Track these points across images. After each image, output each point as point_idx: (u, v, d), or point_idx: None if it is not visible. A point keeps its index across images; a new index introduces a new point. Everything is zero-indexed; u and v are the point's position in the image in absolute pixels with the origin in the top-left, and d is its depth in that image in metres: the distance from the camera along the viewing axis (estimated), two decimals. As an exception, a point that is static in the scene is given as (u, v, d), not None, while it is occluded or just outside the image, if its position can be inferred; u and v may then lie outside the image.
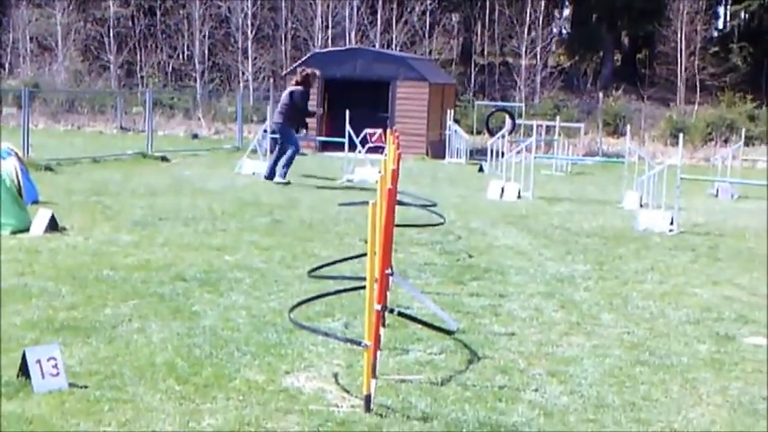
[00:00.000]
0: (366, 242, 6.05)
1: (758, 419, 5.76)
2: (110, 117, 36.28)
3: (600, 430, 5.50)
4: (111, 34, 42.19)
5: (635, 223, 13.99)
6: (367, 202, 5.65)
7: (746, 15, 47.17)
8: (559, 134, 27.54)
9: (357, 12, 40.40)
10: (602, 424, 5.60)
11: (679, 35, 41.12)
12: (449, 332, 7.22)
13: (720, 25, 49.51)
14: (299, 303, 7.52)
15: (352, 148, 20.43)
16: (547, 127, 27.93)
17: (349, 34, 40.34)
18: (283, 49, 41.31)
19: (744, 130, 27.82)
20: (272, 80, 37.77)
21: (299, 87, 18.59)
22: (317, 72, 19.67)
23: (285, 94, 18.82)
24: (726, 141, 32.79)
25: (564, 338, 7.52)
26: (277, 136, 18.74)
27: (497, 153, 20.79)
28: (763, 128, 35.79)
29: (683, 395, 6.19)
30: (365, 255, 5.91)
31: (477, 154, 27.66)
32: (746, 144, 30.12)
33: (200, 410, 5.55)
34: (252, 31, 40.43)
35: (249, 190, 17.08)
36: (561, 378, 6.46)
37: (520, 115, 32.17)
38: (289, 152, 18.26)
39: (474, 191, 18.51)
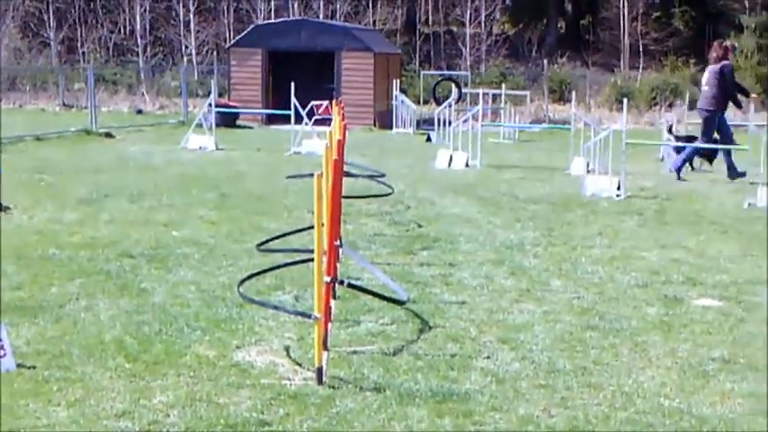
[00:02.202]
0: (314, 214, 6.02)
1: (707, 380, 5.82)
2: (52, 94, 35.71)
3: (551, 395, 5.52)
4: (51, 10, 41.52)
5: (582, 189, 14.05)
6: (313, 174, 5.60)
7: (688, -20, 47.47)
8: (506, 102, 27.56)
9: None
10: (553, 389, 5.62)
11: (622, 1, 41.31)
12: (400, 302, 7.21)
13: (662, -10, 49.77)
14: (248, 277, 7.47)
15: (299, 120, 20.31)
16: (493, 95, 27.97)
17: (292, 5, 40.05)
18: (226, 21, 40.93)
19: (687, 94, 28.05)
20: (215, 53, 37.43)
21: (727, 62, 16.00)
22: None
23: (711, 74, 16.01)
24: (670, 105, 33.03)
25: (514, 305, 7.54)
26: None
27: (445, 122, 20.75)
28: (706, 91, 36.10)
29: (632, 358, 6.24)
30: (313, 227, 5.86)
31: (425, 123, 27.63)
32: (691, 108, 30.40)
33: (150, 387, 5.49)
34: (194, 4, 39.99)
35: (195, 164, 16.93)
36: (512, 345, 6.48)
37: (466, 84, 32.17)
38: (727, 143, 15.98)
39: (422, 160, 18.49)
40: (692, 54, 39.74)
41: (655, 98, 34.89)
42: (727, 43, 16.76)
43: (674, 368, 6.05)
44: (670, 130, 18.00)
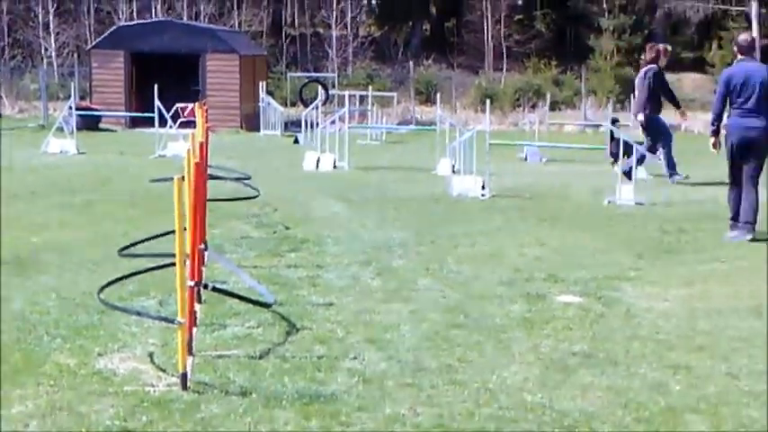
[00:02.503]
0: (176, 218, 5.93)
1: (568, 375, 5.94)
2: None
3: (417, 393, 5.56)
4: None
5: (449, 189, 14.22)
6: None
7: (549, -17, 48.53)
8: (373, 104, 27.73)
9: (163, -17, 39.59)
10: (419, 387, 5.66)
11: (485, 3, 42.00)
12: (266, 305, 7.16)
13: (524, -7, 50.75)
14: (109, 284, 7.30)
15: (163, 123, 20.02)
16: (360, 97, 28.09)
17: (155, 7, 39.46)
18: (87, 23, 40.06)
19: (549, 95, 28.68)
20: (76, 55, 36.60)
21: (653, 65, 16.21)
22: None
23: (638, 79, 16.46)
24: (533, 106, 33.73)
25: (382, 305, 7.57)
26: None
27: (312, 124, 20.76)
28: (568, 92, 37.00)
29: (497, 355, 6.33)
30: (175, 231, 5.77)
31: (293, 125, 27.57)
32: (552, 108, 31.12)
33: (9, 397, 5.33)
34: (53, 6, 39.03)
35: (56, 169, 16.53)
36: (379, 345, 6.50)
37: (333, 86, 32.22)
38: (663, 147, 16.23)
39: (290, 162, 18.44)
40: (553, 56, 40.68)
41: (518, 99, 35.59)
42: (660, 46, 17.00)
43: (536, 364, 6.15)
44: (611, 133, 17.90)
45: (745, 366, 6.10)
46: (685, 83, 41.16)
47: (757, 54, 38.17)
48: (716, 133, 11.03)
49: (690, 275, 8.81)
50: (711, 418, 5.25)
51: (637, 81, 16.34)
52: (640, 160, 15.27)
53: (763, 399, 5.52)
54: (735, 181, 10.98)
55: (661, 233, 11.01)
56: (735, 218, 10.92)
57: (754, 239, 10.59)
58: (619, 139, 15.47)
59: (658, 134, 16.08)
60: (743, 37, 11.34)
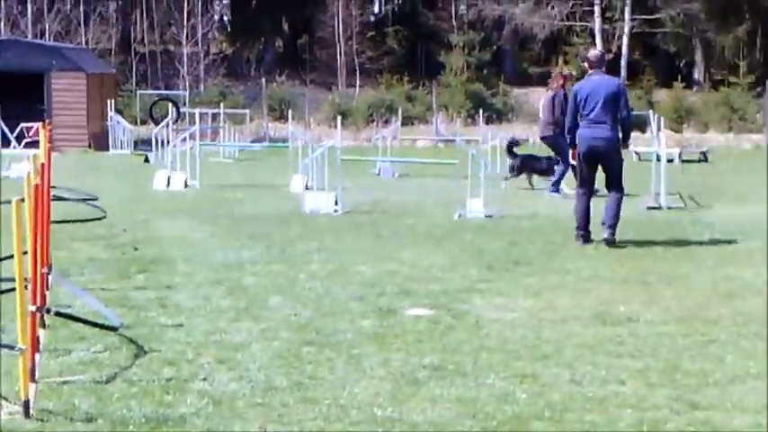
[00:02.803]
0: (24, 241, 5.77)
1: (418, 388, 5.98)
2: None
3: (268, 412, 5.52)
4: None
5: (301, 206, 14.21)
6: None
7: (400, 0, 49.15)
8: (225, 121, 27.54)
9: (5, 1, 38.47)
10: (269, 406, 5.62)
11: (337, 20, 42.22)
12: (113, 328, 7.01)
13: (376, 10, 51.26)
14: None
15: (7, 143, 19.45)
16: (213, 114, 27.86)
17: (-1, 24, 38.36)
18: (-74, 40, 38.62)
19: (401, 111, 29.00)
20: None
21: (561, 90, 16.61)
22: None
23: (545, 101, 17.10)
24: (386, 122, 34.03)
25: (232, 325, 7.50)
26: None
27: (163, 142, 20.48)
28: (420, 108, 37.46)
29: (348, 371, 6.33)
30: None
31: (143, 144, 27.12)
32: (405, 124, 31.48)
33: None
34: None
35: None
36: (230, 365, 6.43)
37: (184, 103, 31.86)
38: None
39: (140, 182, 18.14)
40: (405, 72, 41.12)
41: (371, 115, 35.84)
42: (566, 72, 17.72)
43: (387, 378, 6.19)
44: (510, 149, 18.21)
45: (589, 373, 6.26)
46: (532, 97, 42.17)
47: (623, 71, 39.23)
48: (573, 146, 11.48)
49: (537, 286, 9.00)
50: (556, 425, 5.36)
51: (544, 103, 16.99)
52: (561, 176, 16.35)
53: (605, 404, 5.68)
54: (583, 191, 11.37)
55: (510, 245, 11.23)
56: (579, 227, 11.27)
57: (613, 244, 11.02)
58: (521, 156, 16.14)
59: (562, 152, 16.55)
60: (592, 52, 11.93)
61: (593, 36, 41.66)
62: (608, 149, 11.30)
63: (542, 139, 17.09)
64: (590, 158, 11.35)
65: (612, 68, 41.27)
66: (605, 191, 11.80)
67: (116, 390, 5.87)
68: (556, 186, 16.61)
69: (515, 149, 17.65)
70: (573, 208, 11.66)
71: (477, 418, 5.44)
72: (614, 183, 11.48)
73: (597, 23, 41.21)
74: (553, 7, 41.19)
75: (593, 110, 11.18)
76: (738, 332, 7.34)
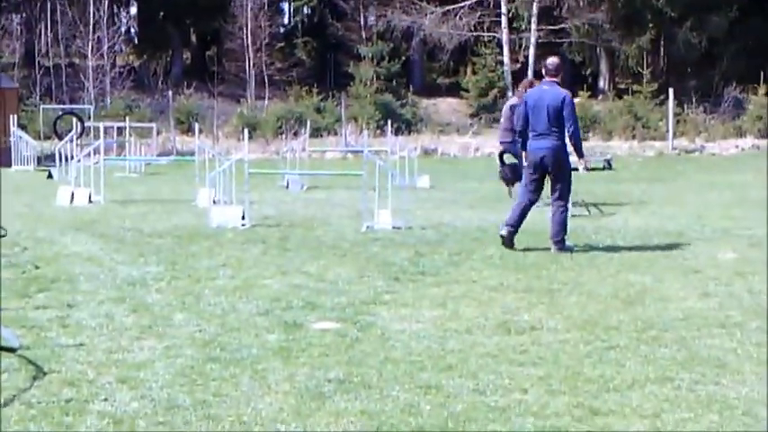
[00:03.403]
0: None
1: (323, 402, 5.97)
2: None
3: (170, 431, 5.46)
4: None
5: (208, 220, 14.09)
6: None
7: (309, 11, 49.13)
8: (131, 135, 27.20)
9: None
10: (172, 425, 5.56)
11: (245, 31, 42.01)
12: (11, 350, 6.86)
13: (285, 21, 51.19)
14: None
15: None
16: (119, 128, 27.51)
17: None
18: None
19: (310, 123, 28.95)
20: None
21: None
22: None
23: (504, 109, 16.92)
24: (295, 134, 33.94)
25: (135, 343, 7.39)
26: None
27: (67, 158, 20.15)
28: (329, 119, 37.46)
29: (252, 387, 6.29)
30: None
31: (48, 160, 26.65)
32: (314, 135, 31.45)
33: None
34: None
35: None
36: (132, 384, 6.34)
37: (90, 117, 31.36)
38: None
39: (42, 198, 17.81)
40: (315, 83, 41.11)
41: (281, 127, 35.72)
42: (533, 80, 17.82)
43: (292, 393, 6.16)
44: (501, 157, 17.99)
45: (492, 382, 6.31)
46: (441, 107, 42.56)
47: (508, 76, 39.64)
48: (524, 149, 11.77)
49: (443, 296, 9.05)
50: (459, 436, 5.40)
51: (505, 110, 16.89)
52: None
53: (507, 413, 5.72)
54: (530, 193, 11.72)
55: (416, 255, 11.28)
56: (510, 224, 11.62)
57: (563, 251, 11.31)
58: (512, 165, 16.08)
59: (519, 158, 16.74)
60: (550, 60, 12.03)
61: (500, 46, 42.14)
62: (553, 160, 11.50)
63: (501, 143, 17.10)
64: (536, 168, 11.61)
65: (520, 77, 41.94)
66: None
67: (14, 412, 5.75)
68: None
69: (505, 157, 17.34)
70: (512, 206, 11.97)
71: (381, 431, 5.45)
72: (560, 193, 11.67)
73: (504, 34, 41.69)
74: (461, 18, 41.55)
75: (538, 121, 11.43)
76: (638, 337, 7.47)
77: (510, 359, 6.89)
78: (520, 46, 42.91)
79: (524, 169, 11.92)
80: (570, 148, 11.74)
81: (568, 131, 11.53)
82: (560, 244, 11.51)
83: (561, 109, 11.38)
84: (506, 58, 41.94)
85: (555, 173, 11.62)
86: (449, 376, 6.47)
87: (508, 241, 11.59)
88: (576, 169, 12.32)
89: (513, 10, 41.81)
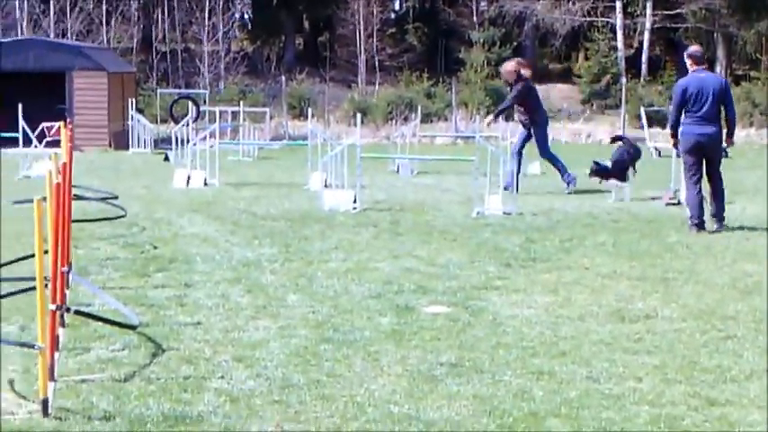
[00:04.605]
0: (45, 241, 5.83)
1: (435, 385, 6.00)
2: None
3: (285, 410, 5.55)
4: None
5: (320, 203, 14.23)
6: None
7: (420, -3, 49.08)
8: (245, 119, 27.59)
9: (28, 1, 38.67)
10: (287, 404, 5.65)
11: (357, 17, 42.22)
12: (131, 327, 7.05)
13: (397, 7, 51.22)
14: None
15: (28, 143, 19.56)
16: (233, 112, 27.89)
17: (20, 24, 38.56)
18: (-51, 41, 38.88)
19: (420, 108, 28.95)
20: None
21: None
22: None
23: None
24: (405, 119, 33.99)
25: (250, 323, 7.53)
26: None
27: (183, 141, 20.55)
28: (440, 105, 37.41)
29: (365, 368, 6.35)
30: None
31: (163, 143, 27.20)
32: (424, 121, 31.43)
33: None
34: None
35: None
36: (247, 362, 6.46)
37: (205, 102, 31.91)
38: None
39: (160, 181, 18.21)
40: (425, 69, 41.08)
41: (391, 112, 35.80)
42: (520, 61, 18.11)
43: (404, 375, 6.21)
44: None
45: (606, 370, 6.27)
46: (552, 93, 42.09)
47: (622, 62, 39.21)
48: (675, 137, 12.14)
49: (554, 282, 9.00)
50: (572, 422, 5.37)
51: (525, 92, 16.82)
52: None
53: (622, 401, 5.67)
54: (692, 184, 11.94)
55: (527, 242, 11.22)
56: (694, 216, 11.83)
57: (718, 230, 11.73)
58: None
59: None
60: (694, 48, 12.54)
61: (614, 32, 41.51)
62: (714, 145, 11.96)
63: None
64: (696, 153, 11.91)
65: (633, 64, 41.27)
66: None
67: (134, 388, 5.91)
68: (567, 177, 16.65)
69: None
70: (685, 199, 12.43)
71: (493, 416, 5.46)
72: (717, 174, 12.08)
73: (619, 19, 41.05)
74: (574, 3, 41.05)
75: (702, 107, 11.69)
76: (756, 328, 7.33)
77: (624, 347, 6.82)
78: (634, 31, 42.21)
79: (684, 155, 12.11)
80: None
81: (729, 115, 11.99)
82: (721, 222, 11.90)
83: (726, 95, 11.80)
84: (620, 44, 41.30)
85: (712, 156, 11.97)
86: (561, 362, 6.45)
87: (701, 228, 11.81)
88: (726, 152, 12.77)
89: (627, -6, 41.16)
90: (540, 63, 46.40)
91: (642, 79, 40.25)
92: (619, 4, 40.91)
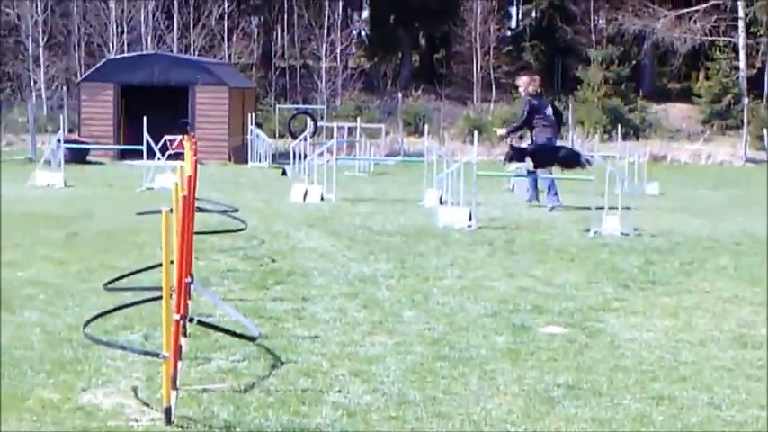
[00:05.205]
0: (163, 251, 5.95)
1: (552, 406, 5.95)
2: None
3: (401, 426, 5.57)
4: None
5: (435, 220, 14.25)
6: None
7: (537, 14, 48.81)
8: (361, 135, 27.82)
9: (153, 16, 39.69)
10: (403, 420, 5.67)
11: (474, 35, 42.23)
12: (251, 338, 7.16)
13: (513, 24, 51.05)
14: (95, 317, 7.31)
15: (152, 155, 20.05)
16: (349, 128, 28.15)
17: (145, 39, 39.60)
18: (77, 55, 40.15)
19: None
20: (65, 88, 36.64)
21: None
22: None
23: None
24: (521, 137, 33.77)
25: (367, 338, 7.58)
26: None
27: (300, 156, 20.83)
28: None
29: (481, 387, 6.34)
30: (162, 264, 5.80)
31: (281, 157, 27.60)
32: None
33: (-9, 434, 5.33)
34: (43, 38, 39.14)
35: (42, 203, 16.51)
36: (364, 377, 6.51)
37: (322, 117, 32.31)
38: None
39: (277, 194, 18.47)
40: (542, 86, 40.80)
41: (506, 130, 35.61)
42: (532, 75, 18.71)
43: (520, 395, 6.17)
44: None
45: (728, 397, 6.13)
46: (671, 113, 41.40)
47: (743, 82, 38.44)
48: None
49: (674, 306, 8.85)
50: (693, 449, 5.27)
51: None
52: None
53: (744, 429, 5.54)
54: None
55: (646, 263, 11.05)
56: None
57: None
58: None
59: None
60: None
61: (736, 51, 40.64)
62: None
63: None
64: None
65: (757, 84, 40.31)
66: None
67: (253, 399, 6.00)
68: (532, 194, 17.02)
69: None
70: None
71: (611, 439, 5.39)
72: None
73: (741, 38, 40.20)
74: (695, 22, 40.34)
75: None
76: None
77: (747, 374, 6.66)
78: (757, 51, 41.24)
79: None
80: None
81: None
82: None
83: None
84: (742, 63, 40.41)
85: None
86: (682, 388, 6.33)
87: None
88: None
89: (750, 14, 40.24)
90: (659, 82, 45.72)
91: (765, 100, 39.31)
92: (741, 24, 40.07)
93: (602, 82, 40.02)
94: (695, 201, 19.01)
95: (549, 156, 16.40)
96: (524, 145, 16.53)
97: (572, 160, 16.50)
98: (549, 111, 17.36)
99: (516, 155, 16.25)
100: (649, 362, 6.96)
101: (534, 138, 16.97)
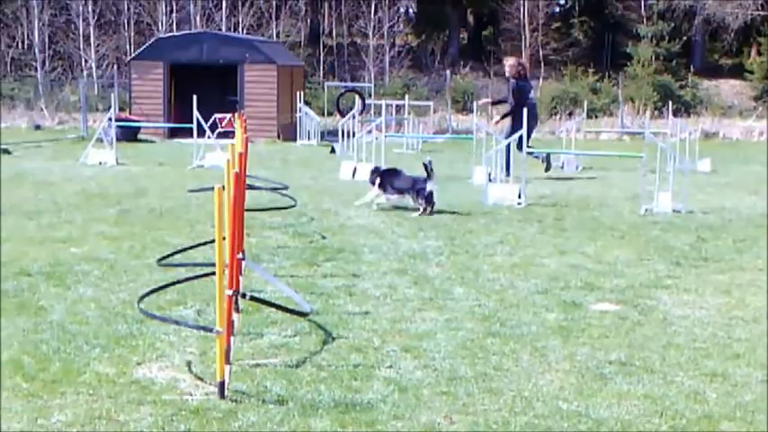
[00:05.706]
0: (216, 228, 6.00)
1: (604, 383, 5.93)
2: (-53, 110, 34.86)
3: (453, 402, 5.58)
4: (-55, 24, 40.56)
5: (484, 198, 14.22)
6: (215, 188, 5.60)
7: (586, -10, 48.36)
8: (409, 113, 27.78)
9: (201, -4, 39.88)
10: (454, 396, 5.69)
11: (522, 12, 41.96)
12: (303, 314, 7.21)
13: (562, 1, 50.64)
14: (149, 293, 7.39)
15: (202, 133, 20.18)
16: (397, 106, 28.13)
17: (194, 18, 39.79)
18: (127, 35, 40.46)
19: (586, 103, 28.58)
20: (116, 67, 36.94)
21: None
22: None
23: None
24: (570, 114, 33.62)
25: (417, 314, 7.59)
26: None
27: (348, 134, 20.84)
28: (605, 100, 36.84)
29: (532, 363, 6.33)
30: (215, 241, 5.85)
31: (329, 135, 27.67)
32: (589, 116, 31.04)
33: (48, 407, 5.41)
34: (93, 18, 39.47)
35: (95, 180, 16.68)
36: (415, 353, 6.52)
37: (370, 95, 32.31)
38: None
39: (326, 172, 18.52)
40: (591, 64, 40.51)
41: (555, 107, 35.46)
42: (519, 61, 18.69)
43: (572, 372, 6.16)
44: None
45: (783, 374, 6.08)
46: (723, 89, 40.93)
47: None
48: None
49: (727, 283, 8.77)
50: (747, 426, 5.24)
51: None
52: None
53: (800, 407, 5.50)
54: None
55: (698, 241, 10.96)
56: None
57: None
58: None
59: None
60: None
61: (789, 26, 40.04)
62: None
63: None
64: None
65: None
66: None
67: (306, 374, 6.04)
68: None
69: None
70: None
71: (665, 416, 5.37)
72: None
73: (794, 13, 39.58)
74: (748, -4, 39.81)
75: None
76: None
77: (801, 352, 6.60)
78: (812, 25, 40.60)
79: None
80: None
81: None
82: None
83: None
84: (796, 39, 39.78)
85: None
86: (736, 365, 6.28)
87: None
88: None
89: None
90: (711, 58, 45.17)
91: (820, 75, 38.73)
92: (795, -3, 39.48)
93: (653, 58, 39.62)
94: (747, 177, 18.79)
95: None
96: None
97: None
98: (533, 95, 17.42)
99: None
100: (702, 339, 6.91)
101: (513, 123, 16.79)
